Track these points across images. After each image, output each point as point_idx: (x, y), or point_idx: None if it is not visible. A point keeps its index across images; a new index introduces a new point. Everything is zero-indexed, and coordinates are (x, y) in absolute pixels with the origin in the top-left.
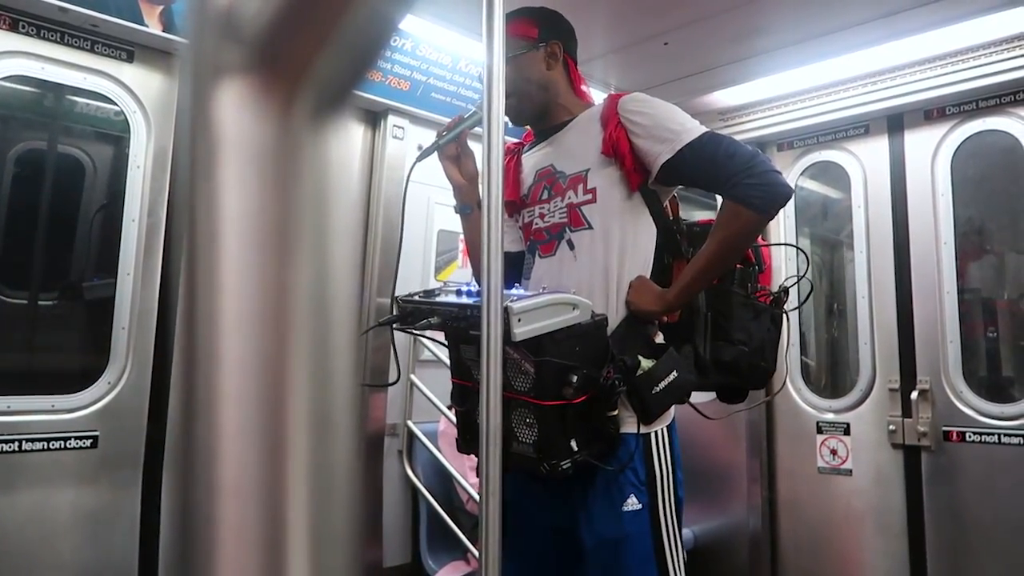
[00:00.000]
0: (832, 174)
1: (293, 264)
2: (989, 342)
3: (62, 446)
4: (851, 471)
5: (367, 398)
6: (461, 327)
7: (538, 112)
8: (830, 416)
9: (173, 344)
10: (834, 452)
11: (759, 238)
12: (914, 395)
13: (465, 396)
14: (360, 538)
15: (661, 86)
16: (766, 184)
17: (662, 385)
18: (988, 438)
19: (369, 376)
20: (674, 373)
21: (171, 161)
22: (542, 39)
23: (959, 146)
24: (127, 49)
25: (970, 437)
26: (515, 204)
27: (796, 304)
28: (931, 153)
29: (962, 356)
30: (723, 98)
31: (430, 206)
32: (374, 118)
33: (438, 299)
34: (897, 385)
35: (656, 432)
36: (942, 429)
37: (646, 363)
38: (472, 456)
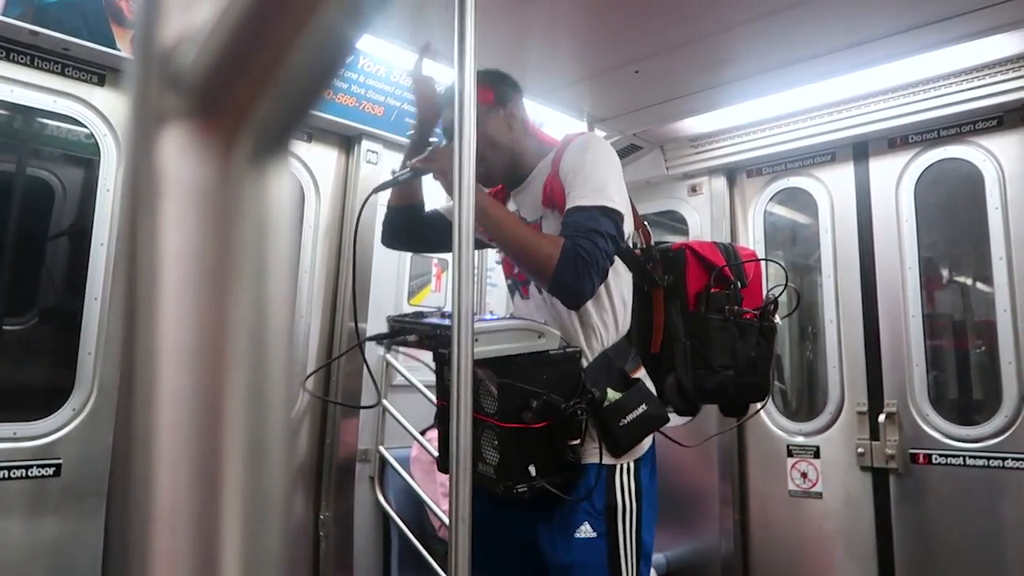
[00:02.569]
0: (800, 200)
1: (231, 299)
2: (954, 365)
3: (24, 474)
4: (821, 494)
5: (338, 423)
6: (433, 345)
7: (507, 171)
8: (800, 439)
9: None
10: (804, 475)
11: (743, 252)
12: (881, 418)
13: (446, 416)
14: (290, 566)
15: (632, 113)
16: (581, 269)
17: (630, 418)
18: (954, 460)
19: (341, 400)
20: (643, 407)
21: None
22: (500, 101)
23: (922, 173)
24: (98, 72)
25: (936, 459)
26: None
27: (785, 313)
28: (895, 180)
29: (928, 379)
30: (694, 125)
31: None
32: (348, 142)
33: (422, 320)
34: (865, 408)
35: (622, 465)
36: (909, 452)
37: (613, 395)
38: (446, 484)
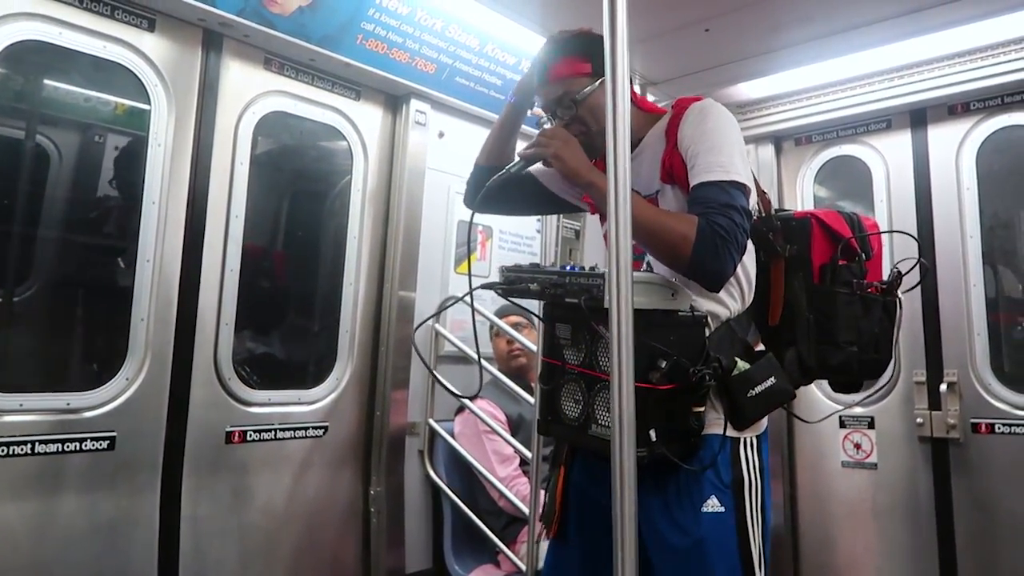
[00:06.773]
0: (851, 169)
1: None
2: (1017, 334)
3: (78, 448)
4: (876, 465)
5: (387, 397)
6: (558, 293)
7: None
8: (854, 410)
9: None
10: (858, 446)
11: (867, 223)
12: (943, 388)
13: (552, 375)
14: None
15: (680, 78)
16: (720, 248)
17: (758, 390)
18: (1018, 429)
19: (390, 372)
20: (772, 380)
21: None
22: (599, 72)
23: (984, 141)
24: (148, 17)
25: (999, 428)
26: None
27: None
28: (955, 148)
29: (990, 348)
30: (743, 91)
31: (450, 195)
32: (395, 102)
33: (546, 269)
34: (923, 378)
35: (747, 439)
36: (971, 421)
37: (743, 365)
38: (499, 451)
